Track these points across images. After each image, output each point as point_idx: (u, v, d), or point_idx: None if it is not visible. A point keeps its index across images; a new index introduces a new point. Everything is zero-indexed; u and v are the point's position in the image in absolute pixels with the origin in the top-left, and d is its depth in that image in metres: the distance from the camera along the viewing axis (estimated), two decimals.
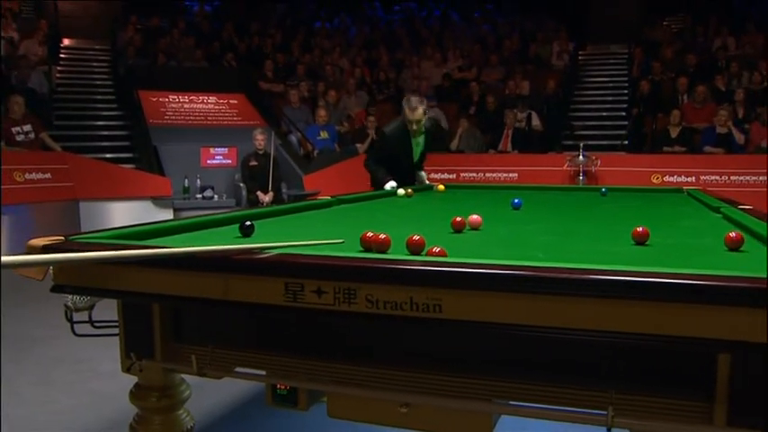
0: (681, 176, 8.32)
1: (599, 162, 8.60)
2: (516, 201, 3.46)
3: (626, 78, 11.91)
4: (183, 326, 2.05)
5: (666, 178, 8.37)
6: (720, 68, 10.55)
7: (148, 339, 2.05)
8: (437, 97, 11.79)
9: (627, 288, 1.39)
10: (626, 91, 11.53)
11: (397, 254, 1.85)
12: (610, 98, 11.63)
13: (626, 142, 9.70)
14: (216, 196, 9.24)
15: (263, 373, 1.91)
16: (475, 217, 2.59)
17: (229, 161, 9.79)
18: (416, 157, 5.35)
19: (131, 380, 2.17)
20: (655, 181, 8.33)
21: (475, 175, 9.49)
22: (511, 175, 9.32)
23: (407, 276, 1.51)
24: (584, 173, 8.59)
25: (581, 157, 8.61)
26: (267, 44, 13.01)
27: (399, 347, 1.77)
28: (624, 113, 10.94)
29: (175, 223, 2.43)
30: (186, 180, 9.32)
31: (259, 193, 8.53)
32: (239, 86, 11.49)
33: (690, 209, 3.52)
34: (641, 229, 2.15)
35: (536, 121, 10.59)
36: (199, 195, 9.19)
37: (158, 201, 8.68)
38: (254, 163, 8.67)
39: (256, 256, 1.68)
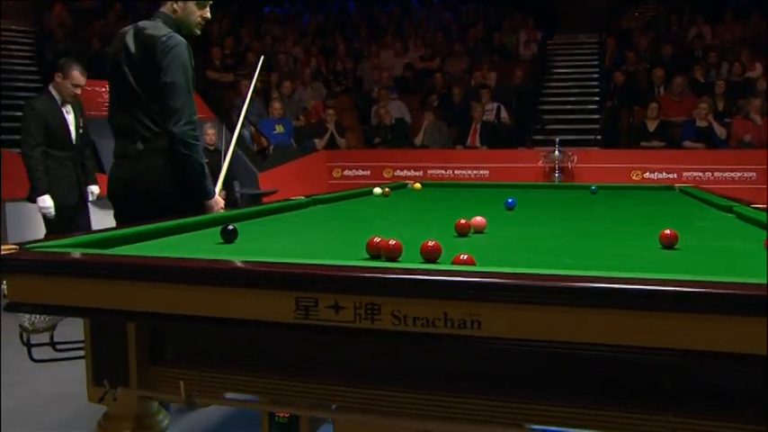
0: (662, 173, 8.43)
1: (575, 158, 8.65)
2: (510, 200, 3.43)
3: (597, 69, 12.04)
4: (163, 347, 1.92)
5: (647, 175, 8.48)
6: (698, 59, 10.70)
7: (122, 363, 1.91)
8: (398, 89, 11.74)
9: (693, 300, 1.32)
10: (597, 83, 11.64)
11: (408, 262, 1.77)
12: (581, 90, 11.73)
13: (599, 137, 9.79)
14: None
15: (261, 399, 1.80)
16: (479, 219, 2.55)
17: None
18: (76, 131, 5.39)
19: (80, 407, 2.00)
20: (635, 178, 8.43)
21: (443, 172, 9.48)
22: (482, 172, 9.34)
23: (443, 289, 1.42)
24: (560, 170, 8.63)
25: (557, 152, 8.65)
26: (214, 30, 12.75)
27: (422, 368, 1.68)
28: (597, 106, 11.04)
29: (145, 228, 2.29)
30: None
31: None
32: None
33: (694, 208, 3.51)
34: (669, 231, 2.10)
35: (504, 115, 10.61)
36: None
37: (98, 201, 8.36)
38: (204, 160, 8.44)
39: (260, 268, 1.56)
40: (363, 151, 10.20)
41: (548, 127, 10.78)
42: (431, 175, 9.38)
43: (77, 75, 5.25)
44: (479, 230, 2.52)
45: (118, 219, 3.01)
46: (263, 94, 11.14)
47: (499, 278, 1.41)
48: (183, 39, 2.94)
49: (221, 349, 1.86)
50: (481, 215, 2.56)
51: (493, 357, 1.62)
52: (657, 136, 8.97)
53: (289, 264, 1.58)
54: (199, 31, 3.19)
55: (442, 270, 1.50)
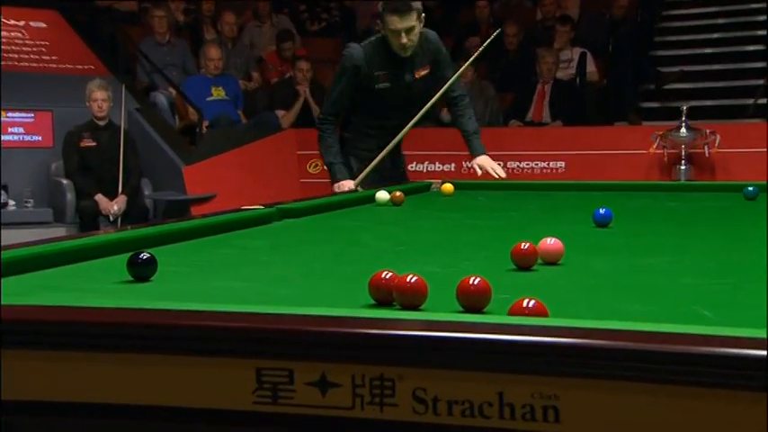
0: None
1: (717, 139, 8.68)
2: (602, 212, 3.51)
3: None
4: None
5: None
6: None
7: None
8: None
9: None
10: (762, 5, 11.57)
11: (438, 310, 1.82)
12: (730, 21, 11.66)
13: (763, 101, 9.77)
14: (13, 202, 9.07)
15: None
16: (552, 242, 2.63)
17: (38, 138, 9.65)
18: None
19: None
20: None
21: None
22: (554, 164, 9.40)
23: (496, 355, 1.46)
24: (690, 159, 8.67)
25: (683, 130, 8.68)
26: None
27: None
28: (763, 47, 10.92)
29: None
30: None
31: (100, 197, 8.41)
32: None
33: None
34: None
35: (592, 68, 10.66)
36: None
37: None
38: (89, 143, 8.61)
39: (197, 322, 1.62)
40: None
41: (668, 87, 10.81)
42: (469, 169, 9.42)
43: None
44: (552, 260, 2.59)
45: None
46: (189, 33, 11.24)
47: (590, 338, 1.45)
48: (353, 54, 5.37)
49: None
50: (555, 236, 2.64)
51: None
52: None
53: (244, 314, 1.63)
54: (404, 53, 5.29)
55: (495, 324, 1.54)
